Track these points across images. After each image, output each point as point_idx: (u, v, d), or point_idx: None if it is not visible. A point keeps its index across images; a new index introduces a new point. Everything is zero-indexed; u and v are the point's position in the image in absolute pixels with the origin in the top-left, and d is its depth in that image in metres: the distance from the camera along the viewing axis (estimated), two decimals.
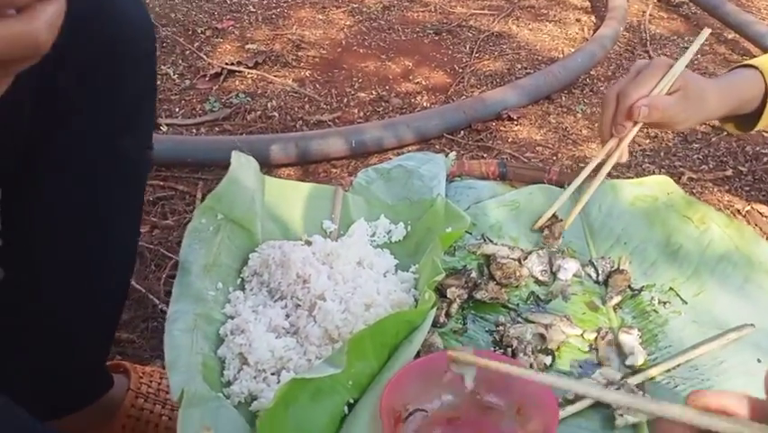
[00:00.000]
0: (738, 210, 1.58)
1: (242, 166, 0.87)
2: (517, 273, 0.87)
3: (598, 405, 0.71)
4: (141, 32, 0.73)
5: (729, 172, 1.72)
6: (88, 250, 0.76)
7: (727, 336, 0.76)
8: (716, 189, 1.67)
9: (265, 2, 2.63)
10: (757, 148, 1.82)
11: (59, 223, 0.74)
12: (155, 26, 2.32)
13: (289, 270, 0.81)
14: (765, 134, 1.89)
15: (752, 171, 1.73)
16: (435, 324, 0.80)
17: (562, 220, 0.95)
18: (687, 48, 0.94)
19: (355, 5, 2.66)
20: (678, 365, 0.74)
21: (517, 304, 0.85)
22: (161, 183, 1.61)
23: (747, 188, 1.69)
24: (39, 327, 0.76)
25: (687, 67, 0.89)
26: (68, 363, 0.79)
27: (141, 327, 1.16)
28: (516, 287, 0.87)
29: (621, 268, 0.89)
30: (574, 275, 0.89)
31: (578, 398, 0.71)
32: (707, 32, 0.94)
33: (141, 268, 1.30)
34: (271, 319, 0.77)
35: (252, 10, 2.56)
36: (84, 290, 0.77)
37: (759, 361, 0.73)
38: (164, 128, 1.86)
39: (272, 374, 0.72)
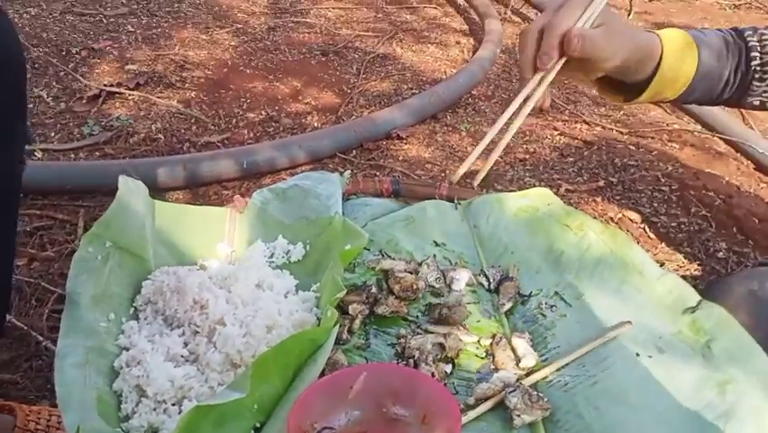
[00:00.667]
0: (611, 217, 1.71)
1: (131, 191, 0.84)
2: (414, 286, 0.89)
3: (497, 408, 0.74)
4: (8, 48, 0.71)
5: (602, 183, 1.86)
6: None
7: (608, 335, 0.82)
8: (590, 199, 1.79)
9: (144, 22, 2.56)
10: (625, 160, 1.98)
11: None
12: (26, 46, 2.19)
13: (185, 296, 0.79)
14: (631, 147, 2.06)
15: (621, 182, 1.88)
16: (338, 341, 0.81)
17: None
18: None
19: (239, 26, 2.64)
20: (566, 364, 0.79)
21: (417, 316, 0.87)
22: (38, 212, 1.52)
23: (618, 197, 1.83)
24: None
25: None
26: None
27: (23, 366, 1.08)
28: (414, 299, 0.89)
29: (510, 276, 0.94)
30: (467, 284, 0.93)
31: (478, 402, 0.74)
32: None
33: (21, 304, 1.22)
34: (169, 348, 0.74)
35: (131, 29, 2.48)
36: None
37: (638, 354, 0.79)
38: (39, 154, 1.76)
39: (173, 405, 0.70)
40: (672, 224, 1.70)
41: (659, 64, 0.87)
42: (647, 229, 1.66)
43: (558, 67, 0.82)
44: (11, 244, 0.77)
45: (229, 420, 0.65)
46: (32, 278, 1.29)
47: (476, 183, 0.85)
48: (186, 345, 0.77)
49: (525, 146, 2.04)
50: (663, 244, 1.60)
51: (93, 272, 0.78)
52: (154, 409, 0.69)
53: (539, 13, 2.85)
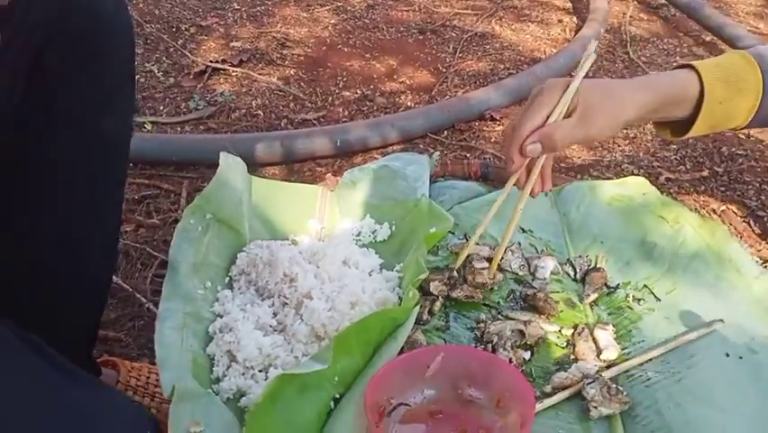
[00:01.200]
0: (714, 210, 1.62)
1: (230, 167, 0.88)
2: (488, 284, 0.88)
3: (574, 398, 0.74)
4: (118, 16, 0.76)
5: (705, 173, 1.76)
6: (71, 227, 0.77)
7: (698, 332, 0.79)
8: (692, 190, 1.71)
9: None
10: (733, 149, 1.87)
11: (44, 198, 0.75)
12: (139, 23, 2.32)
13: (276, 269, 0.83)
14: (741, 136, 1.94)
15: (727, 172, 1.78)
16: (419, 321, 0.83)
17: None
18: (582, 66, 0.82)
19: (340, 4, 2.68)
20: (650, 359, 0.77)
21: (498, 302, 0.88)
22: (146, 182, 1.62)
23: (723, 189, 1.73)
24: (24, 303, 0.77)
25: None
26: (54, 341, 0.80)
27: (127, 325, 1.17)
28: (491, 290, 0.89)
29: (598, 266, 0.92)
30: (552, 273, 0.92)
31: (554, 391, 0.74)
32: (594, 44, 0.87)
33: (128, 267, 1.31)
34: (259, 318, 0.79)
35: (237, 7, 2.57)
36: (68, 269, 0.78)
37: (727, 355, 0.77)
38: (148, 126, 1.87)
39: (260, 371, 0.74)
40: None
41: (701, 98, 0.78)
42: (752, 224, 1.57)
43: (542, 160, 0.84)
44: (118, 209, 0.83)
45: (311, 389, 0.68)
46: (137, 243, 1.38)
47: (490, 275, 0.88)
48: (275, 315, 0.81)
49: (625, 131, 1.96)
50: None
51: (193, 242, 0.83)
52: (243, 374, 0.73)
53: None
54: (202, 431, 0.62)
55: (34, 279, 0.77)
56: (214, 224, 0.86)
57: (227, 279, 0.85)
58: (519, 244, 0.95)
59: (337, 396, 0.71)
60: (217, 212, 0.86)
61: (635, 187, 1.04)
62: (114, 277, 1.00)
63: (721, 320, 0.80)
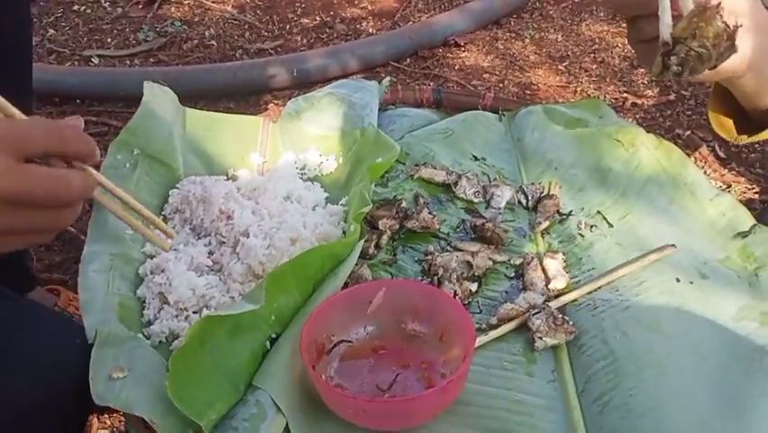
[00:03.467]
0: (679, 134, 1.60)
1: (157, 97, 0.83)
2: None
3: (522, 329, 0.72)
4: None
5: (672, 97, 1.73)
6: None
7: (649, 257, 0.77)
8: (658, 115, 1.67)
9: None
10: None
11: None
12: None
13: (211, 206, 0.79)
14: None
15: (694, 96, 1.74)
16: (365, 256, 0.80)
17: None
18: None
19: None
20: (599, 288, 0.75)
21: (447, 233, 0.85)
22: (94, 119, 1.55)
23: (689, 113, 1.70)
24: None
25: None
26: None
27: (73, 268, 1.13)
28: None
29: (551, 193, 0.89)
30: (508, 202, 0.89)
31: (500, 322, 0.72)
32: None
33: None
34: (193, 257, 0.75)
35: None
36: None
37: (678, 280, 0.75)
38: (95, 60, 1.78)
39: (194, 313, 0.71)
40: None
41: None
42: (718, 148, 1.55)
43: None
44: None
45: (244, 330, 0.66)
46: None
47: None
48: (210, 254, 0.77)
49: (592, 55, 1.91)
50: (734, 164, 1.49)
51: (121, 180, 0.78)
52: (176, 316, 0.70)
53: None
54: (125, 376, 0.60)
55: None
56: (143, 159, 0.81)
57: (160, 217, 0.81)
58: (476, 174, 0.91)
59: (274, 336, 0.68)
60: (146, 147, 0.81)
61: (591, 109, 1.00)
62: None
63: (673, 245, 0.78)
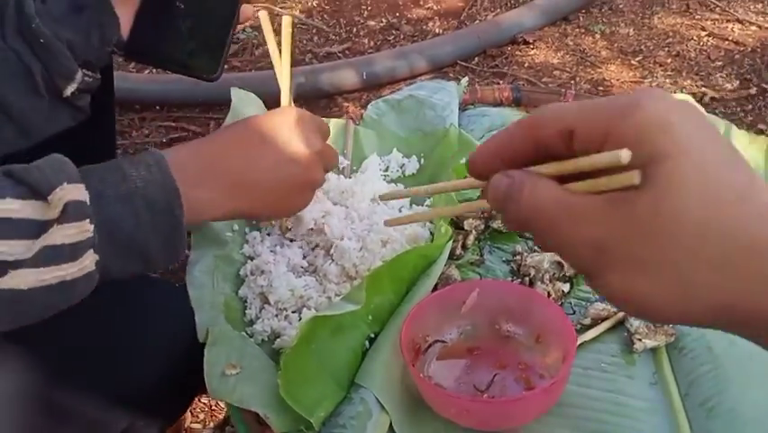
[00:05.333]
0: (761, 129, 1.54)
1: (244, 102, 0.86)
2: None
3: (617, 329, 0.71)
4: None
5: (753, 90, 1.67)
6: None
7: None
8: (738, 109, 1.62)
9: None
10: None
11: None
12: None
13: (301, 222, 0.80)
14: None
15: None
16: (452, 256, 0.80)
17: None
18: None
19: None
20: None
21: None
22: (173, 124, 1.61)
23: None
24: None
25: None
26: None
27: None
28: None
29: None
30: None
31: (595, 322, 0.71)
32: None
33: None
34: (290, 259, 0.77)
35: None
36: None
37: None
38: None
39: (293, 312, 0.73)
40: None
41: None
42: None
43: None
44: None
45: (345, 330, 0.67)
46: None
47: None
48: (305, 256, 0.79)
49: (666, 49, 1.87)
50: None
51: None
52: (276, 316, 0.72)
53: None
54: (238, 373, 0.62)
55: None
56: None
57: (254, 221, 0.84)
58: None
59: (372, 335, 0.70)
60: None
61: None
62: None
63: None
